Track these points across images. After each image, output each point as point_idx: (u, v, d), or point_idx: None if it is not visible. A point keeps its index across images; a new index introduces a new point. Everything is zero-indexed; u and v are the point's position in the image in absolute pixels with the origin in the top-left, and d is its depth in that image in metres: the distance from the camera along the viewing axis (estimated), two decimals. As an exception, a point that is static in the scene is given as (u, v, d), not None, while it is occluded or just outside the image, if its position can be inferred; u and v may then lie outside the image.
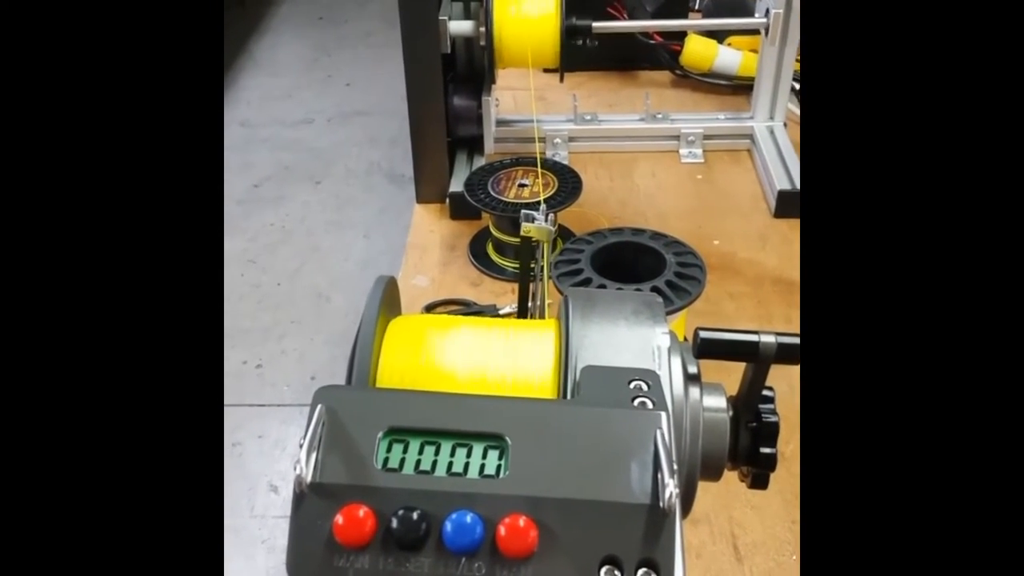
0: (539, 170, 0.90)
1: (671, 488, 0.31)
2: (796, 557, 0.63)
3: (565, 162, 1.07)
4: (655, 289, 0.72)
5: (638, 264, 0.75)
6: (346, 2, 2.97)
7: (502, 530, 0.31)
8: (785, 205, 0.96)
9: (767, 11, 0.98)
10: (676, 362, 0.39)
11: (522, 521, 0.31)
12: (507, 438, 0.32)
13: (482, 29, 0.94)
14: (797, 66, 1.16)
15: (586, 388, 0.35)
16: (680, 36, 1.18)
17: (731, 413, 0.41)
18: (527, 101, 1.19)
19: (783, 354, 0.39)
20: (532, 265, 0.51)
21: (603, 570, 0.31)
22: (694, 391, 0.39)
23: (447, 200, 0.98)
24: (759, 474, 0.41)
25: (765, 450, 0.40)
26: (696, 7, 1.27)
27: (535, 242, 0.51)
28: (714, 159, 1.07)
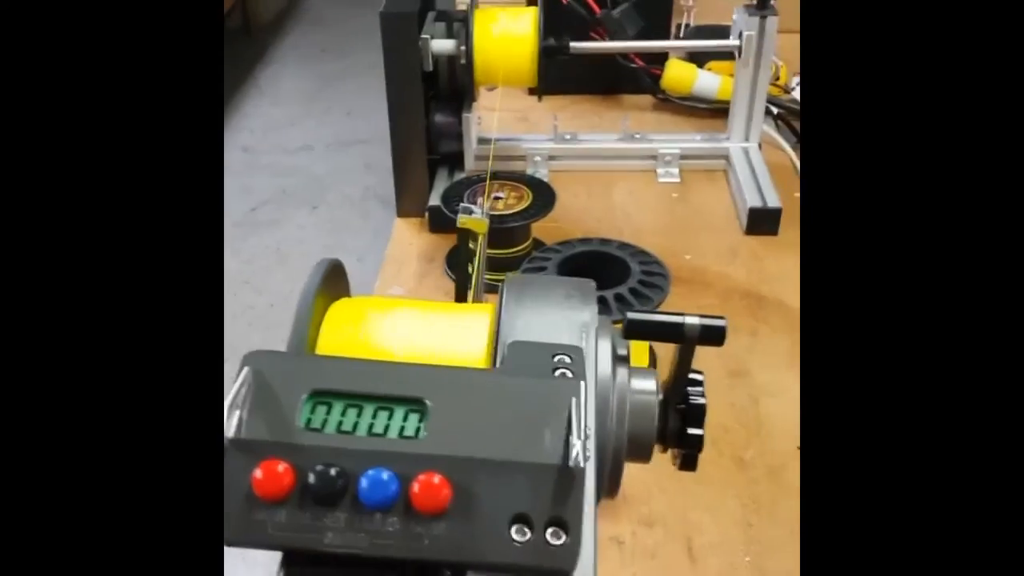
0: (486, 183, 0.92)
1: (578, 448, 0.32)
2: (749, 559, 0.64)
3: (545, 180, 1.09)
4: (619, 296, 0.73)
5: (604, 273, 0.77)
6: (350, 35, 3.02)
7: (416, 487, 0.32)
8: (756, 222, 0.98)
9: (740, 34, 1.00)
10: (605, 343, 0.41)
11: (436, 479, 0.32)
12: (427, 402, 0.34)
13: (463, 48, 0.97)
14: (773, 89, 1.19)
15: (510, 360, 0.37)
16: (661, 60, 1.20)
17: (661, 396, 0.42)
18: (512, 122, 1.21)
19: (707, 336, 0.40)
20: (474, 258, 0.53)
21: (514, 528, 0.32)
22: (622, 371, 0.41)
23: (426, 214, 1.00)
24: (687, 455, 0.43)
25: (692, 431, 0.42)
26: (681, 34, 1.30)
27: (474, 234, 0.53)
28: (691, 179, 1.09)
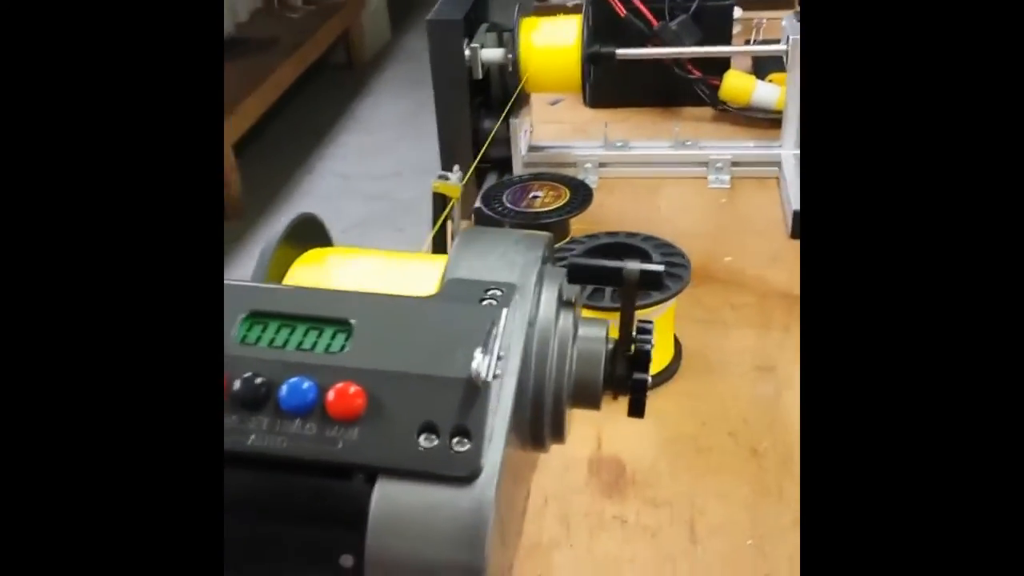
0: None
1: (479, 362, 0.34)
2: (751, 542, 0.64)
3: (593, 187, 1.11)
4: (636, 284, 0.74)
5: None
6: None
7: (332, 395, 0.35)
8: (800, 226, 0.97)
9: (787, 38, 1.01)
10: (551, 288, 0.42)
11: (352, 389, 0.35)
12: (352, 322, 0.37)
13: (510, 56, 1.00)
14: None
15: (444, 292, 0.39)
16: (720, 72, 1.21)
17: (610, 345, 0.44)
18: (569, 132, 1.24)
19: (646, 281, 0.42)
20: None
21: (422, 435, 0.34)
22: (567, 316, 0.42)
23: (472, 216, 1.03)
24: (634, 399, 0.44)
25: (637, 376, 0.43)
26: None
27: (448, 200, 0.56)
28: (741, 185, 1.09)
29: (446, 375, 0.35)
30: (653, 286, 0.42)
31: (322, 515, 0.35)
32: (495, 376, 0.35)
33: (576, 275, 0.42)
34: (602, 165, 1.12)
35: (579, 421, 0.75)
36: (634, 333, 0.44)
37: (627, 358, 0.44)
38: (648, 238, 0.81)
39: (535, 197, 0.94)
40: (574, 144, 1.15)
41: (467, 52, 0.99)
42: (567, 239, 0.93)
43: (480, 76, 1.01)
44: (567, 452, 0.72)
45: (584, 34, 1.00)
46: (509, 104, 1.03)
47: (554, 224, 0.91)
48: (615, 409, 0.76)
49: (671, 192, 1.09)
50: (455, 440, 0.34)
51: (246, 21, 2.91)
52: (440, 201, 0.56)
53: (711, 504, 0.67)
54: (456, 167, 0.64)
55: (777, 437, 0.72)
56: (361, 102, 3.19)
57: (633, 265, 0.42)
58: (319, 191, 2.63)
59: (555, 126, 1.27)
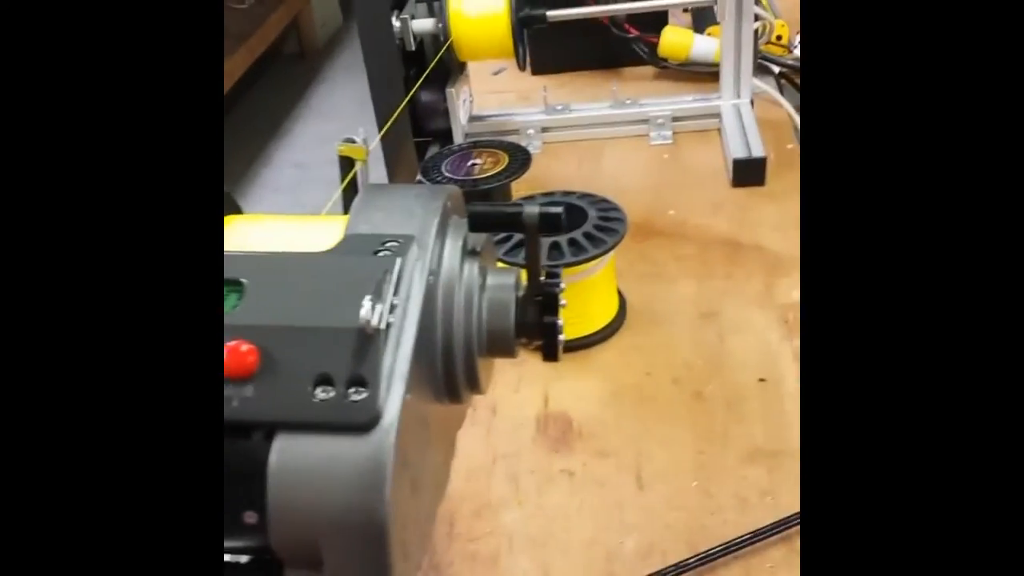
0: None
1: (367, 310, 0.34)
2: (696, 483, 0.65)
3: (537, 151, 1.11)
4: (572, 240, 0.75)
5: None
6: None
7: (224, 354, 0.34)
8: (741, 173, 0.97)
9: (716, -12, 1.01)
10: (455, 238, 0.42)
11: (244, 347, 0.35)
12: (244, 281, 0.36)
13: (441, 25, 1.00)
14: (775, 49, 1.18)
15: (340, 247, 0.39)
16: (658, 29, 1.21)
17: (520, 292, 0.44)
18: (512, 102, 1.23)
19: (545, 224, 0.42)
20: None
21: (318, 388, 0.34)
22: (472, 266, 0.42)
23: (415, 188, 1.02)
24: (547, 344, 0.44)
25: (547, 319, 0.43)
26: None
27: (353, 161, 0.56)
28: (683, 140, 1.09)
29: (338, 326, 0.35)
30: (553, 229, 0.42)
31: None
32: (388, 324, 0.35)
33: (477, 223, 0.42)
34: (544, 130, 1.12)
35: (527, 381, 0.76)
36: (543, 278, 0.44)
37: (537, 304, 0.44)
38: (585, 195, 0.81)
39: (474, 165, 0.94)
40: (515, 111, 1.15)
41: (397, 23, 0.98)
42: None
43: (413, 47, 1.00)
44: (515, 412, 0.73)
45: (513, -2, 0.99)
46: (450, 74, 1.02)
47: (494, 189, 0.91)
48: (561, 368, 0.76)
49: (614, 152, 1.09)
50: (351, 390, 0.34)
51: (193, 16, 2.88)
52: (347, 164, 0.56)
53: (656, 451, 0.68)
54: (361, 129, 0.64)
55: (722, 380, 0.73)
56: (316, 89, 3.16)
57: (532, 208, 0.42)
58: (278, 183, 2.61)
59: (498, 95, 1.26)
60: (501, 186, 0.91)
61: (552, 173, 1.07)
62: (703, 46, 1.19)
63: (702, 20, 1.28)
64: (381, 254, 0.38)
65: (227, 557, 0.36)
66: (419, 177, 0.98)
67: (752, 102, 1.08)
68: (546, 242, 0.74)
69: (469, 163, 0.94)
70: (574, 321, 0.78)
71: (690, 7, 1.16)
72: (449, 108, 1.05)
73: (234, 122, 2.89)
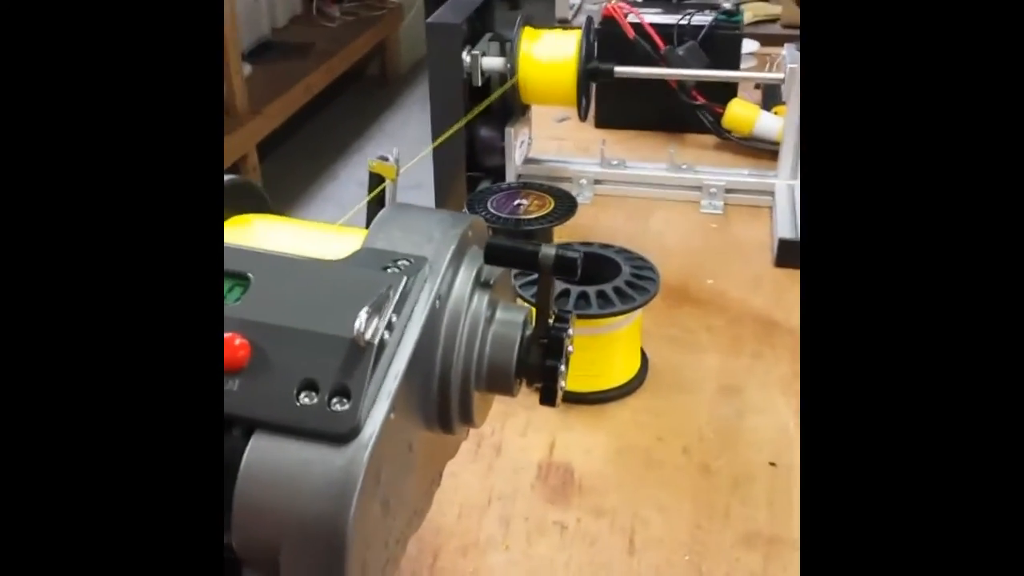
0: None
1: (361, 320, 0.34)
2: (688, 558, 0.63)
3: (587, 203, 1.11)
4: (601, 292, 0.74)
5: (598, 273, 0.78)
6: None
7: (217, 344, 0.34)
8: (785, 254, 0.96)
9: (786, 67, 1.00)
10: (469, 266, 0.42)
11: (237, 340, 0.35)
12: (250, 276, 0.37)
13: (509, 66, 1.01)
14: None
15: (353, 259, 0.39)
16: (725, 100, 1.21)
17: (528, 331, 0.43)
18: (568, 149, 1.24)
19: (561, 266, 0.42)
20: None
21: (302, 392, 0.34)
22: (482, 297, 0.42)
23: (460, 221, 1.03)
24: (545, 388, 0.43)
25: (549, 363, 0.43)
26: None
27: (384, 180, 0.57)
28: (734, 212, 1.09)
29: (331, 333, 0.35)
30: (568, 272, 0.42)
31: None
32: (383, 340, 0.35)
33: (492, 256, 0.42)
34: (597, 182, 1.12)
35: (535, 426, 0.75)
36: (552, 321, 0.44)
37: (542, 345, 0.43)
38: (622, 251, 0.81)
39: (520, 205, 0.94)
40: (571, 159, 1.15)
41: (467, 58, 1.00)
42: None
43: (479, 83, 1.01)
44: (519, 455, 0.72)
45: (583, 49, 1.00)
46: (512, 113, 1.04)
47: (536, 232, 0.91)
48: (572, 418, 0.76)
49: (663, 214, 1.09)
50: (335, 399, 0.34)
51: (283, 27, 2.96)
52: (377, 181, 0.56)
53: (654, 517, 0.66)
54: (395, 149, 0.65)
55: (733, 457, 0.71)
56: (391, 113, 3.22)
57: (548, 249, 0.42)
58: (341, 198, 2.65)
59: (558, 142, 1.27)
60: (543, 229, 0.91)
61: (598, 225, 1.07)
62: (767, 123, 1.19)
63: (771, 98, 1.28)
64: (389, 270, 0.38)
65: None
66: (464, 210, 0.99)
67: (809, 184, 1.07)
68: (575, 290, 0.74)
69: (515, 202, 0.94)
70: (592, 374, 0.77)
71: (762, 83, 1.16)
72: (505, 147, 1.05)
73: (308, 135, 2.95)
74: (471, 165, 1.07)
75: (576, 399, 0.77)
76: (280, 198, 2.52)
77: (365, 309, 0.34)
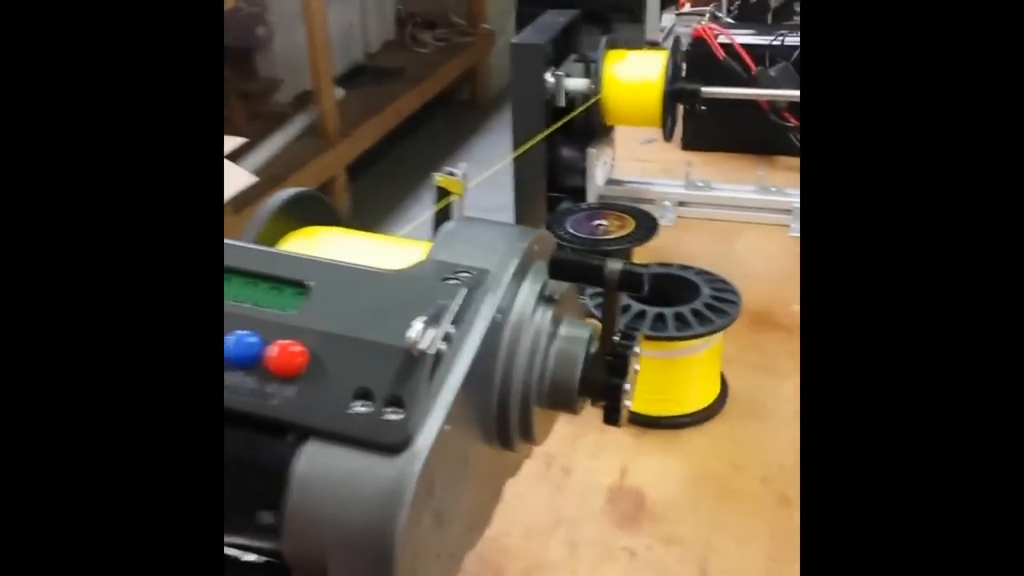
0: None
1: (416, 330, 0.34)
2: (763, 591, 0.60)
3: (671, 225, 1.09)
4: (679, 315, 0.72)
5: (677, 295, 0.76)
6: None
7: (274, 350, 0.35)
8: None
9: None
10: (534, 281, 0.41)
11: (296, 348, 0.35)
12: (310, 284, 0.37)
13: (594, 87, 1.00)
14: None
15: (415, 269, 0.39)
16: (817, 122, 1.18)
17: (592, 348, 0.42)
18: (653, 171, 1.23)
19: (627, 282, 0.40)
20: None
21: (357, 401, 0.34)
22: (546, 312, 0.41)
23: (539, 241, 1.03)
24: (609, 406, 0.42)
25: (613, 380, 0.41)
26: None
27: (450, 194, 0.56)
28: (823, 236, 1.05)
29: (387, 343, 0.35)
30: (634, 288, 0.41)
31: (249, 469, 0.35)
32: (439, 351, 0.35)
33: (556, 270, 0.41)
34: (681, 204, 1.10)
35: (608, 449, 0.73)
36: (618, 338, 0.42)
37: (607, 363, 0.42)
38: (702, 272, 0.79)
39: (599, 225, 0.93)
40: (655, 181, 1.14)
41: (551, 79, 1.00)
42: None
43: (563, 104, 1.01)
44: (589, 478, 0.71)
45: (669, 70, 0.99)
46: (595, 134, 1.03)
47: (615, 252, 0.90)
48: (646, 443, 0.74)
49: (749, 237, 1.06)
50: (388, 409, 0.34)
51: (376, 51, 3.02)
52: (443, 195, 0.56)
53: (727, 548, 0.64)
54: (463, 164, 0.65)
55: (811, 489, 0.68)
56: (479, 138, 3.25)
57: (614, 264, 0.41)
58: (420, 217, 2.68)
59: (642, 164, 1.25)
60: (622, 250, 0.90)
61: (681, 247, 1.05)
62: (862, 146, 1.15)
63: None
64: (450, 282, 0.38)
65: (235, 553, 0.36)
66: (543, 229, 0.98)
67: (903, 209, 1.03)
68: (652, 312, 0.73)
69: (595, 223, 0.93)
70: (668, 398, 0.75)
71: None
72: (587, 167, 1.05)
73: (398, 158, 3.00)
74: (552, 186, 1.07)
75: (651, 423, 0.75)
76: (367, 218, 2.56)
77: (421, 319, 0.34)
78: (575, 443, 0.74)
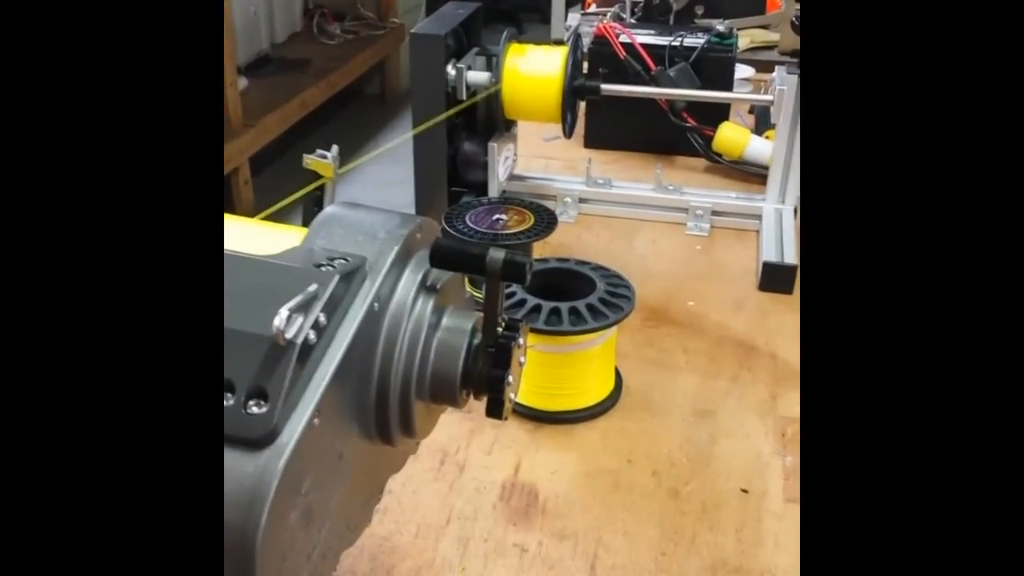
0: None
1: (281, 318, 0.32)
2: (652, 585, 0.61)
3: (572, 221, 1.10)
4: (573, 309, 0.72)
5: (573, 290, 0.76)
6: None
7: (131, 341, 0.32)
8: (769, 278, 0.94)
9: (776, 89, 0.99)
10: (415, 270, 0.40)
11: (154, 336, 0.33)
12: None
13: (494, 80, 0.99)
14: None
15: (287, 255, 0.37)
16: (716, 123, 1.20)
17: (475, 339, 0.41)
18: (555, 168, 1.23)
19: (509, 271, 0.40)
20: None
21: (219, 393, 0.32)
22: (427, 301, 0.40)
23: (439, 235, 1.01)
24: (491, 399, 0.41)
25: (495, 372, 0.40)
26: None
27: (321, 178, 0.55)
28: (720, 235, 1.07)
29: (251, 331, 0.33)
30: (517, 279, 0.40)
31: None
32: (308, 341, 0.33)
33: (437, 258, 0.40)
34: (582, 201, 1.11)
35: (502, 445, 0.73)
36: (501, 329, 0.42)
37: (490, 355, 0.41)
38: (598, 268, 0.79)
39: (499, 220, 0.92)
40: (557, 177, 1.14)
41: (452, 72, 0.98)
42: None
43: (464, 97, 1.00)
44: (482, 474, 0.70)
45: (568, 66, 0.99)
46: (496, 129, 1.02)
47: (515, 247, 0.89)
48: (540, 436, 0.73)
49: (648, 234, 1.07)
50: (251, 401, 0.32)
51: (282, 42, 2.96)
52: (313, 178, 0.55)
53: (618, 543, 0.64)
54: (334, 146, 0.63)
55: (703, 483, 0.69)
56: (388, 133, 3.21)
57: (497, 252, 0.40)
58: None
59: (545, 160, 1.26)
60: (522, 245, 0.89)
61: (581, 244, 1.05)
62: (758, 147, 1.17)
63: (764, 123, 1.26)
64: (324, 268, 0.36)
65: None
66: (442, 223, 0.97)
67: (796, 210, 1.05)
68: (547, 306, 0.72)
69: (494, 217, 0.92)
70: (562, 393, 0.75)
71: (755, 106, 1.15)
72: (488, 162, 1.04)
73: (303, 150, 2.94)
74: (454, 180, 1.06)
75: (545, 418, 0.75)
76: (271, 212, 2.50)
77: (287, 306, 0.32)
78: (471, 439, 0.73)
